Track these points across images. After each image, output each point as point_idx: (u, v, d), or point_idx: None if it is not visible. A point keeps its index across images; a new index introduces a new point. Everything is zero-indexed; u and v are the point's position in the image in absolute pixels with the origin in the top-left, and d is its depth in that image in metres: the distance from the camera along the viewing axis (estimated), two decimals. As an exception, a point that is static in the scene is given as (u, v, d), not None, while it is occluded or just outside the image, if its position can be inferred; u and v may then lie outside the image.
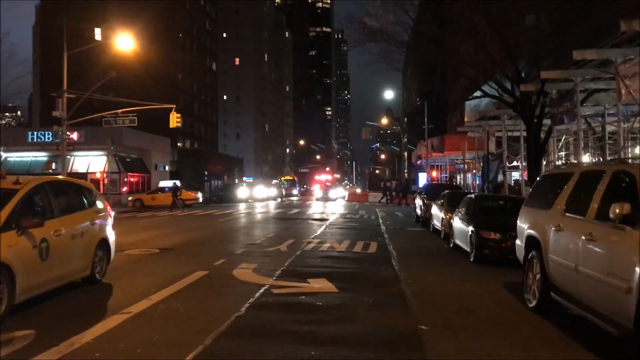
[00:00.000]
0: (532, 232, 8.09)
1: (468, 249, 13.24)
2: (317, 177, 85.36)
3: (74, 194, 9.26)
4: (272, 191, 67.27)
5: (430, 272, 11.12)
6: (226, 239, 16.95)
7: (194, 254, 13.25)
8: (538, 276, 7.64)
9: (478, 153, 31.83)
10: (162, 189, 44.31)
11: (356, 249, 14.42)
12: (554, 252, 7.17)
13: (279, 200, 58.70)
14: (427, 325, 6.79)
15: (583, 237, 6.21)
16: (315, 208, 38.39)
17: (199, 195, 47.62)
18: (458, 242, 14.55)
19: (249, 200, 53.26)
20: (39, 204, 8.03)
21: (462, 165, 37.82)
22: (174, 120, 35.32)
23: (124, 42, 32.36)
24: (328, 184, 74.36)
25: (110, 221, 10.05)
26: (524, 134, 22.08)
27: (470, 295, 8.96)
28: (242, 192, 55.27)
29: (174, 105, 35.40)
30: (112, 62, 75.47)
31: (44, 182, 8.42)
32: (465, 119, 31.80)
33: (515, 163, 28.21)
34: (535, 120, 20.11)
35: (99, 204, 9.77)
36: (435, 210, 20.14)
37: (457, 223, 14.84)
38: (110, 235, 9.91)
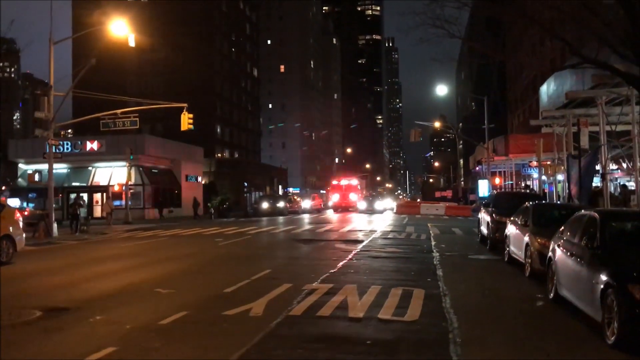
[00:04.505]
0: None
1: (596, 315, 6.90)
2: (334, 182, 59.05)
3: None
4: (317, 201, 62.12)
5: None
6: (186, 283, 11.05)
7: (81, 325, 7.36)
8: None
9: (559, 152, 24.87)
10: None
11: (385, 311, 8.11)
12: None
13: (328, 212, 52.14)
14: None
15: None
16: (354, 223, 32.08)
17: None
18: (570, 295, 8.14)
19: (289, 214, 47.50)
20: None
21: (535, 170, 30.75)
22: (186, 121, 29.97)
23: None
24: (358, 192, 58.89)
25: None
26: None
27: None
28: (280, 203, 49.71)
29: (185, 105, 30.02)
30: (144, 68, 72.03)
31: None
32: (541, 111, 24.90)
33: (612, 166, 21.25)
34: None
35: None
36: (512, 230, 13.70)
37: (565, 260, 8.46)
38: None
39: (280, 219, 39.41)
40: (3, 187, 52.47)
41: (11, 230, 14.22)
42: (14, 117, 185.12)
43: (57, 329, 7.12)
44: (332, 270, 12.15)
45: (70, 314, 8.05)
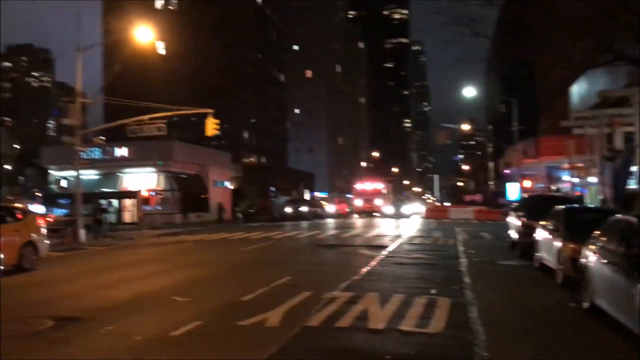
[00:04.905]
0: None
1: (635, 327, 6.40)
2: (358, 186, 57.53)
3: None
4: (342, 206, 61.71)
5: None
6: (204, 290, 10.81)
7: (90, 336, 7.14)
8: None
9: (591, 154, 24.01)
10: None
11: (408, 322, 7.70)
12: None
13: (354, 216, 51.41)
14: None
15: None
16: (379, 228, 31.57)
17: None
18: (606, 305, 7.62)
19: (313, 218, 47.22)
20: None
21: (566, 172, 29.87)
22: (211, 126, 29.92)
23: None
24: (383, 196, 56.19)
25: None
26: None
27: None
28: (304, 208, 49.53)
29: (210, 110, 29.98)
30: (172, 75, 72.70)
31: None
32: (573, 111, 24.09)
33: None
34: None
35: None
36: (543, 235, 13.13)
37: (601, 267, 7.96)
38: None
39: (306, 223, 39.12)
40: (36, 193, 53.54)
41: (34, 237, 14.21)
42: (50, 125, 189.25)
43: (65, 341, 6.91)
44: (355, 278, 11.77)
45: (81, 324, 7.86)
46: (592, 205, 21.99)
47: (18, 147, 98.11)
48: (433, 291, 10.04)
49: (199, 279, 12.45)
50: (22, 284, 11.92)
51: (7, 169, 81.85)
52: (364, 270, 13.02)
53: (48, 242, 15.19)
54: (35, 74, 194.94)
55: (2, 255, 9.73)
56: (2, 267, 9.62)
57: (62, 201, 45.19)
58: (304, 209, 49.02)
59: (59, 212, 45.32)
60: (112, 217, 41.20)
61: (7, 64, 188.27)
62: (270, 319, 7.84)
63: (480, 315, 8.14)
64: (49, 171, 48.26)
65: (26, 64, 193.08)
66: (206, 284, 11.59)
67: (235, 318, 7.92)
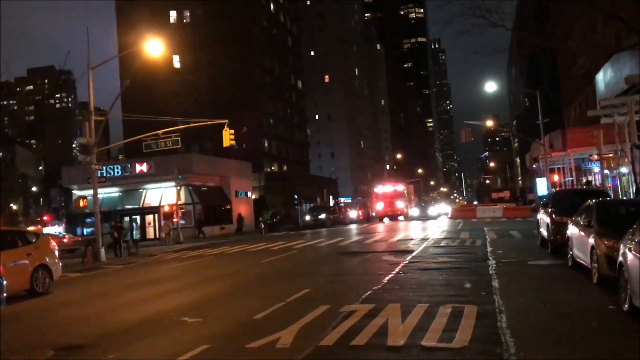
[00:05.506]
0: None
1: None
2: (378, 190, 53.66)
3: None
4: (365, 210, 61.01)
5: None
6: (216, 309, 10.31)
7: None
8: None
9: (621, 143, 23.01)
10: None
11: (430, 336, 7.03)
12: None
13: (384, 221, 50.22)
14: None
15: None
16: (404, 231, 30.78)
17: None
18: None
19: (335, 224, 46.63)
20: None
21: (596, 164, 28.76)
22: (227, 137, 29.69)
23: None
24: (405, 198, 54.25)
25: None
26: None
27: None
28: (322, 215, 49.03)
29: (225, 121, 29.73)
30: (188, 88, 72.92)
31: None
32: (599, 100, 23.12)
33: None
34: None
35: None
36: (574, 231, 12.37)
37: (641, 267, 7.23)
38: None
39: (328, 231, 38.52)
40: (45, 217, 53.76)
41: (47, 260, 13.91)
42: (74, 145, 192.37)
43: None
44: (376, 287, 11.14)
45: (83, 352, 7.41)
46: (626, 198, 20.97)
47: (41, 168, 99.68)
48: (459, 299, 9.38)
49: (213, 296, 11.96)
50: (31, 309, 11.60)
51: (33, 191, 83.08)
52: (386, 278, 12.39)
53: (60, 264, 14.86)
54: (57, 95, 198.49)
55: (5, 282, 9.35)
56: (4, 294, 9.24)
57: (88, 220, 45.48)
58: (322, 216, 48.18)
59: (80, 231, 45.59)
60: (134, 234, 41.27)
61: (30, 87, 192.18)
62: (283, 339, 7.27)
63: (509, 323, 7.47)
64: (73, 191, 48.55)
65: (47, 85, 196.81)
66: (220, 302, 11.08)
67: (245, 339, 7.37)
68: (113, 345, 7.71)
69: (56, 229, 53.75)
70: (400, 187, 54.11)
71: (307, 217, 48.12)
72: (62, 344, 7.87)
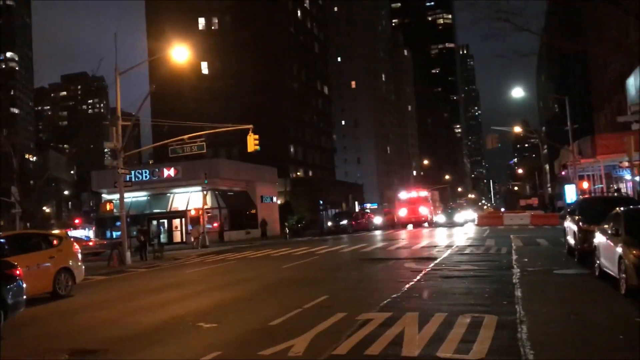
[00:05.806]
0: None
1: None
2: (401, 196, 53.27)
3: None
4: (390, 216, 60.44)
5: None
6: (233, 314, 10.25)
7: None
8: None
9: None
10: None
11: (447, 346, 6.83)
12: None
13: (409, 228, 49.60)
14: None
15: None
16: (429, 238, 30.43)
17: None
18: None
19: (359, 231, 46.35)
20: None
21: (626, 171, 28.04)
22: (252, 142, 29.71)
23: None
24: (429, 204, 53.21)
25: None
26: None
27: None
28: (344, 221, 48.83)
29: (250, 126, 29.81)
30: (217, 93, 73.56)
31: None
32: (629, 105, 22.53)
33: None
34: None
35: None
36: (602, 240, 11.99)
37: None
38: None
39: (352, 237, 38.27)
40: (77, 221, 54.65)
41: (70, 263, 14.06)
42: (105, 150, 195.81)
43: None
44: (395, 295, 10.96)
45: (96, 357, 7.41)
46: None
47: (73, 172, 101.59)
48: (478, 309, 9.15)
49: (231, 300, 11.92)
50: (51, 312, 11.72)
51: (66, 195, 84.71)
52: (407, 286, 12.18)
53: (83, 268, 15.02)
54: (90, 100, 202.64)
55: (26, 285, 9.45)
56: (24, 297, 9.33)
57: (117, 223, 46.14)
58: (345, 222, 47.76)
59: (109, 235, 46.23)
60: (161, 238, 41.65)
61: (63, 93, 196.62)
62: (296, 347, 7.17)
63: (530, 335, 7.23)
64: (102, 195, 49.30)
65: (80, 92, 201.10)
66: (237, 307, 11.02)
67: (258, 346, 7.29)
68: (126, 350, 7.70)
69: (84, 233, 54.66)
70: (424, 194, 53.33)
71: (330, 223, 47.91)
72: (76, 348, 7.92)
